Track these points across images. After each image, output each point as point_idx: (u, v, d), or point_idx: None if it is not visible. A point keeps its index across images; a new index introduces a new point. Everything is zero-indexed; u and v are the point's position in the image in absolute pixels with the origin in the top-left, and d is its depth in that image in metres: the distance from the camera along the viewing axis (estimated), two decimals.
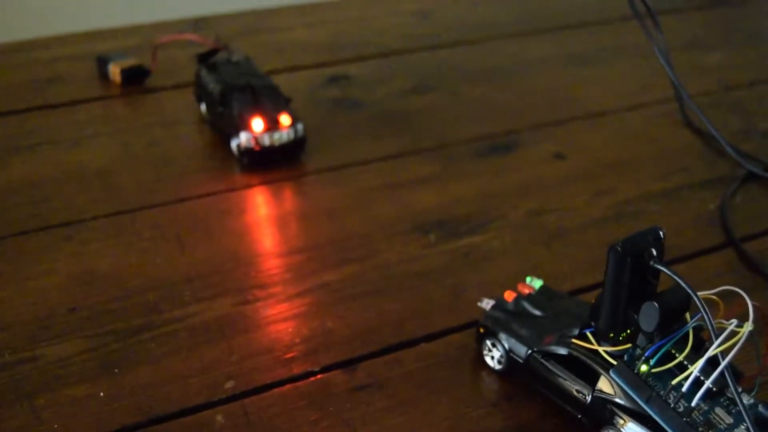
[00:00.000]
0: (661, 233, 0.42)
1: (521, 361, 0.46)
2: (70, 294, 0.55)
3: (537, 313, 0.48)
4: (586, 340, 0.44)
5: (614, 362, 0.42)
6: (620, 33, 1.00)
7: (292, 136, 0.70)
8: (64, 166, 0.71)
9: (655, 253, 0.41)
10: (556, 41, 0.98)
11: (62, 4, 1.38)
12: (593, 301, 0.44)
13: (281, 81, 0.75)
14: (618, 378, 0.42)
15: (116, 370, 0.49)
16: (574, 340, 0.44)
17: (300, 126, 0.70)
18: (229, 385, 0.47)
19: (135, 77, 0.86)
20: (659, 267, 0.41)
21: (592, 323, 0.44)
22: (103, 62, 0.88)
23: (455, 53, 0.95)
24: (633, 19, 0.71)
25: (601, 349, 0.43)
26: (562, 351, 0.44)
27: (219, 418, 0.45)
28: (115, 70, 0.86)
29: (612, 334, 0.43)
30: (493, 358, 0.48)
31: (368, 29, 1.02)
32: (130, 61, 0.87)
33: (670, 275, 0.40)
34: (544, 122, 0.78)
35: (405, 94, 0.84)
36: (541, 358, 0.45)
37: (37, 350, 0.51)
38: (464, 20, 1.05)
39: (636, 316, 0.42)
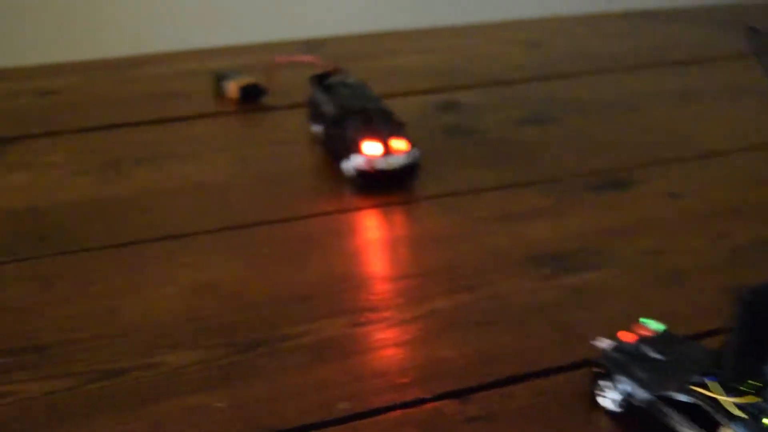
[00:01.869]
0: None
1: (639, 405, 0.45)
2: (188, 304, 0.57)
3: (657, 356, 0.47)
4: (709, 388, 0.43)
5: (739, 414, 0.41)
6: (739, 70, 0.98)
7: (405, 160, 0.71)
8: (181, 179, 0.73)
9: None
10: (673, 76, 0.97)
11: (181, 21, 1.43)
12: (717, 348, 0.43)
13: (392, 105, 0.76)
14: (741, 430, 0.41)
15: (233, 382, 0.50)
16: (696, 388, 0.43)
17: (414, 151, 0.71)
18: (343, 405, 0.48)
19: (251, 95, 0.89)
20: None
21: (717, 372, 0.43)
22: (220, 79, 0.91)
23: (567, 85, 0.94)
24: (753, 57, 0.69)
25: (725, 400, 0.42)
26: (683, 398, 0.43)
27: None
28: (232, 88, 0.89)
29: (737, 385, 0.42)
30: (608, 399, 0.47)
31: (479, 57, 1.03)
32: (248, 79, 0.90)
33: None
34: (660, 159, 0.77)
35: (516, 124, 0.84)
36: (660, 403, 0.44)
37: (156, 357, 0.52)
38: (575, 52, 1.05)
39: (763, 368, 0.41)
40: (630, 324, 0.50)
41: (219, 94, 0.91)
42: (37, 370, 0.51)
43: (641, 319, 0.50)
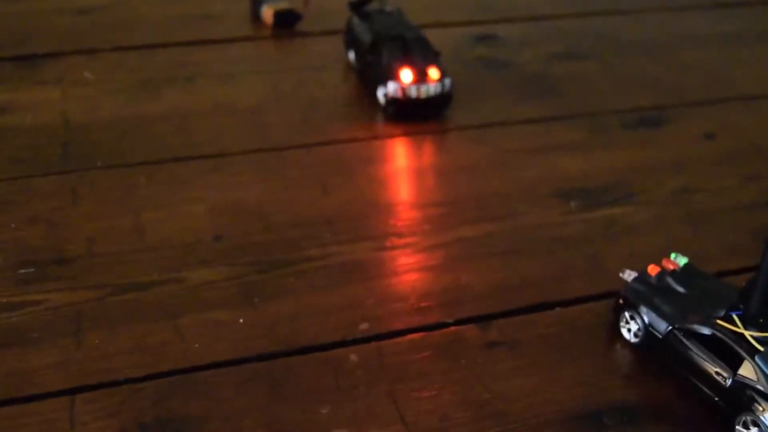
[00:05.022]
0: None
1: (660, 336, 0.45)
2: (216, 222, 0.57)
3: (681, 290, 0.47)
4: (732, 322, 0.42)
5: (761, 348, 0.41)
6: None
7: (439, 90, 0.70)
8: (215, 100, 0.73)
9: None
10: (716, 18, 0.95)
11: None
12: (743, 284, 0.42)
13: (429, 35, 0.75)
14: (764, 364, 0.41)
15: (256, 300, 0.50)
16: (719, 321, 0.43)
17: (448, 81, 0.70)
18: (364, 326, 0.48)
19: (286, 21, 0.88)
20: None
21: (741, 306, 0.42)
22: (256, 3, 0.90)
23: (607, 22, 0.93)
24: None
25: (747, 334, 0.42)
26: (706, 331, 0.43)
27: (353, 357, 0.46)
28: (267, 12, 0.88)
29: (761, 320, 0.41)
30: (629, 330, 0.47)
31: None
32: (283, 5, 0.89)
33: None
34: (696, 100, 0.76)
35: (553, 59, 0.83)
36: (682, 336, 0.44)
37: (182, 272, 0.53)
38: None
39: None
40: (656, 259, 0.50)
41: (255, 18, 0.90)
42: (62, 281, 0.52)
43: (672, 254, 0.50)
